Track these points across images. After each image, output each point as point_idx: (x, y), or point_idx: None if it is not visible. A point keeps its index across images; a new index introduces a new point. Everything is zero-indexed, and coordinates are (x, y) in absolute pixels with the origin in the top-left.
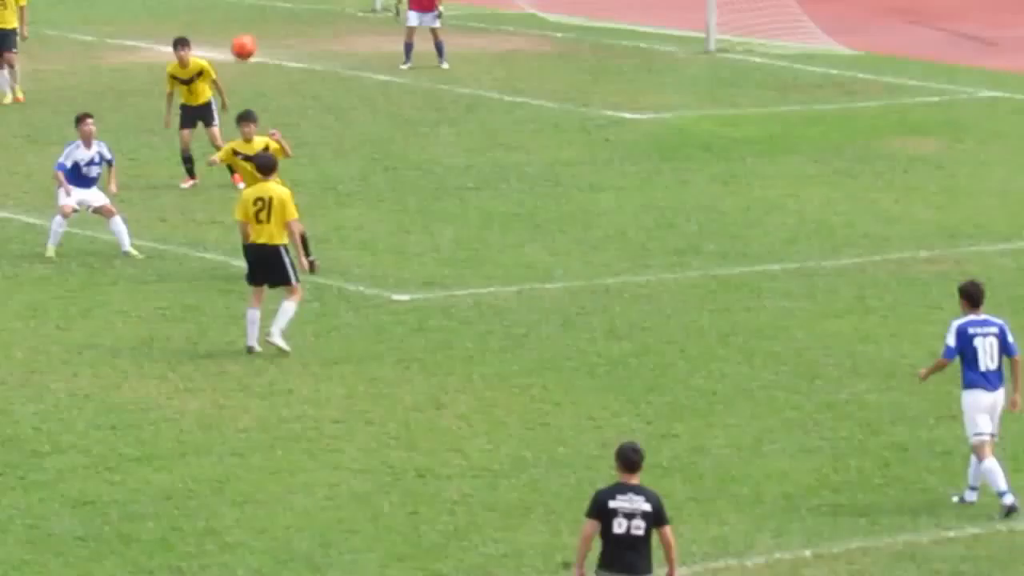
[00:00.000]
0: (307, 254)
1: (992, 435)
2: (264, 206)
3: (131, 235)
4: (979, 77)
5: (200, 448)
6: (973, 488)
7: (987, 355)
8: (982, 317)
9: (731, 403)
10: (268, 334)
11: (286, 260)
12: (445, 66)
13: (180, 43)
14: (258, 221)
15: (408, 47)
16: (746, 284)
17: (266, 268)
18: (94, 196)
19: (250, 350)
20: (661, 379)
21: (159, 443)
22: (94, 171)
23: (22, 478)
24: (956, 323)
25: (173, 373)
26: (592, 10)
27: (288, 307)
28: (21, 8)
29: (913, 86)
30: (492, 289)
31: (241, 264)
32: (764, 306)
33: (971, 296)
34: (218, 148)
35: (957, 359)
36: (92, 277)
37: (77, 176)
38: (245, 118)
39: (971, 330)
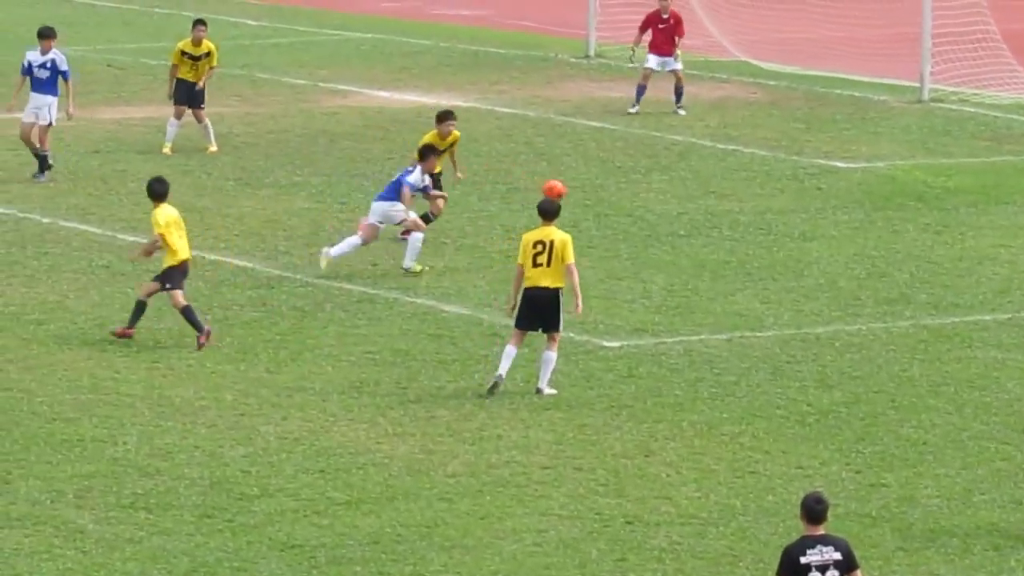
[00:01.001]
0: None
1: None
2: (544, 249)
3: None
4: None
5: (408, 493)
6: None
7: None
8: None
9: (941, 453)
10: (538, 391)
11: (560, 306)
12: (682, 112)
13: (445, 116)
14: (535, 264)
15: (641, 90)
16: (957, 334)
17: (542, 312)
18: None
19: (496, 382)
20: (871, 428)
21: (367, 487)
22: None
23: (230, 521)
24: None
25: (382, 418)
26: (804, 58)
27: (551, 356)
28: (212, 68)
29: None
30: (702, 337)
31: (451, 309)
32: (975, 357)
33: None
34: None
35: None
36: (302, 321)
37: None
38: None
39: None
